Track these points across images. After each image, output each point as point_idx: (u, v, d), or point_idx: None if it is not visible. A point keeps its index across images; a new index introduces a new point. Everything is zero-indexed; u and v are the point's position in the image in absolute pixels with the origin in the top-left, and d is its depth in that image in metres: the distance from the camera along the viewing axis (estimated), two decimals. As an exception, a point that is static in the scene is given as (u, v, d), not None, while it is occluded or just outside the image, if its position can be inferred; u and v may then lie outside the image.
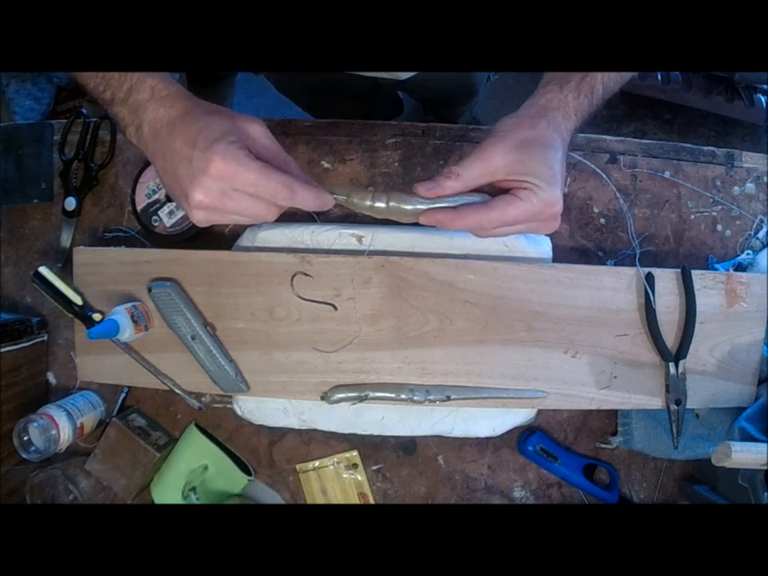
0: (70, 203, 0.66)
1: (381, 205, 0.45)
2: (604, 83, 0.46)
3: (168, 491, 0.63)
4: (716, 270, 0.63)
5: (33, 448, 0.58)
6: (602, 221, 0.66)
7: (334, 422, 0.64)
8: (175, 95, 0.41)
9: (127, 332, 0.57)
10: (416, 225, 0.47)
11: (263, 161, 0.40)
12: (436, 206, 0.45)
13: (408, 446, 0.66)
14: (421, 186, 0.43)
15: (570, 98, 0.44)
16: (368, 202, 0.45)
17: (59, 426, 0.58)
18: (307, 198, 0.41)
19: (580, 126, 0.46)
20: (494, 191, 0.45)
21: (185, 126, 0.39)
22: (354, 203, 0.45)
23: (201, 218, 0.41)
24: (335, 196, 0.45)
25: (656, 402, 0.60)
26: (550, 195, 0.42)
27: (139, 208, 0.65)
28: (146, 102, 0.40)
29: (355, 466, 0.65)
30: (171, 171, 0.40)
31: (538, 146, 0.42)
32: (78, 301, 0.60)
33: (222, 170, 0.37)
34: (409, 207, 0.45)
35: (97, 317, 0.59)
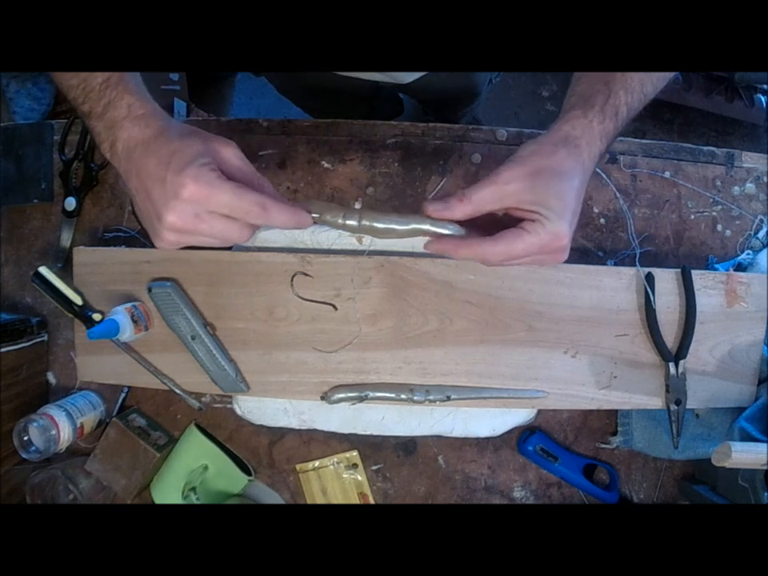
0: (70, 203, 0.66)
1: (352, 223, 0.45)
2: (628, 104, 0.44)
3: (168, 491, 0.63)
4: (716, 269, 0.63)
5: (33, 448, 0.58)
6: (602, 221, 0.66)
7: (334, 422, 0.64)
8: (151, 115, 0.41)
9: (127, 332, 0.57)
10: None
11: (237, 182, 0.40)
12: (411, 227, 0.44)
13: (408, 445, 0.66)
14: (431, 206, 0.43)
15: (595, 122, 0.43)
16: (339, 221, 0.45)
17: (59, 426, 0.58)
18: (282, 217, 0.41)
19: (606, 150, 0.45)
20: (504, 218, 0.44)
21: (159, 147, 0.39)
22: (328, 221, 0.45)
23: (172, 240, 0.41)
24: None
25: (656, 402, 0.60)
26: (558, 228, 0.41)
27: (139, 208, 0.65)
28: (122, 120, 0.40)
29: (355, 466, 0.65)
30: (144, 192, 0.40)
31: (553, 175, 0.41)
32: (78, 301, 0.60)
33: (194, 193, 0.37)
34: (381, 226, 0.45)
35: (97, 317, 0.59)
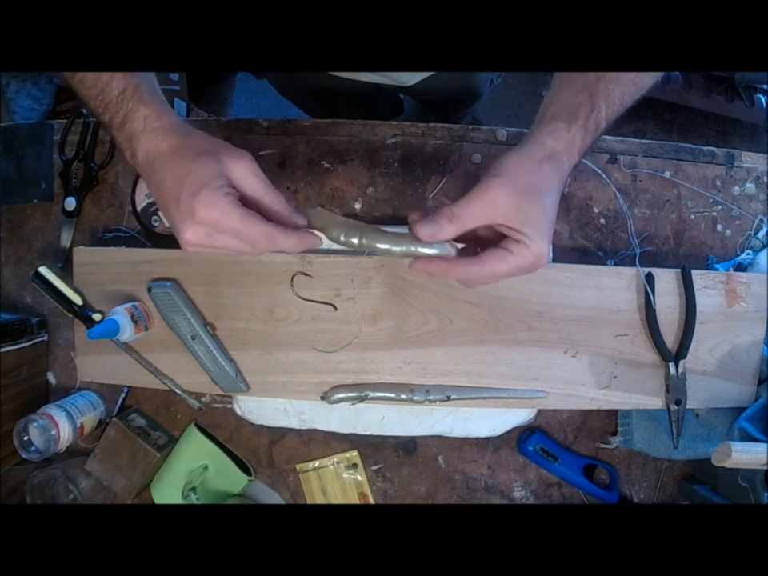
0: (70, 203, 0.66)
1: (354, 241, 0.44)
2: (607, 118, 0.45)
3: (168, 491, 0.63)
4: (716, 269, 0.63)
5: (33, 448, 0.58)
6: (602, 221, 0.66)
7: (334, 422, 0.64)
8: (167, 128, 0.42)
9: (127, 332, 0.57)
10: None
11: (250, 200, 0.42)
12: (404, 249, 0.43)
13: (408, 446, 0.66)
14: (422, 229, 0.42)
15: (578, 137, 0.43)
16: (342, 238, 0.44)
17: (59, 426, 0.58)
18: (289, 245, 0.42)
19: (578, 162, 0.46)
20: (489, 233, 0.44)
21: (174, 164, 0.40)
22: (332, 237, 0.45)
23: (191, 251, 0.43)
24: (312, 229, 0.45)
25: (656, 402, 0.60)
26: (540, 249, 0.41)
27: (139, 208, 0.65)
28: (139, 133, 0.41)
29: (355, 466, 0.65)
30: (165, 204, 0.42)
31: (539, 193, 0.42)
32: (78, 301, 0.60)
33: (205, 218, 0.39)
34: (382, 246, 0.44)
35: (97, 317, 0.59)
